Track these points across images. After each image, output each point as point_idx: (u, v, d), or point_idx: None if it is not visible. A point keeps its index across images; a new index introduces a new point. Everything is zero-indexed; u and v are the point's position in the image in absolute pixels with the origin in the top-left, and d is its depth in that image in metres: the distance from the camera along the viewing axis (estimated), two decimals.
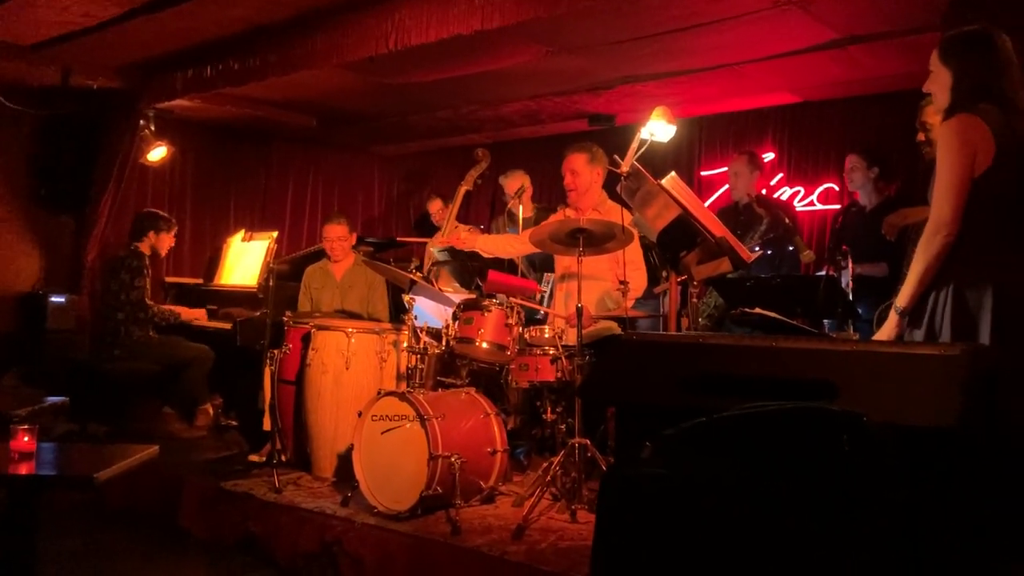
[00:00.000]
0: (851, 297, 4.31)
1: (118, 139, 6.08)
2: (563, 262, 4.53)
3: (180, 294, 6.37)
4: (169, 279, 6.62)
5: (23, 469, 2.56)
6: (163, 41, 5.13)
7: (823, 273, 4.99)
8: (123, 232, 5.95)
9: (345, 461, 3.99)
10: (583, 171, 4.43)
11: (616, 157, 3.71)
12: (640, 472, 1.20)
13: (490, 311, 3.97)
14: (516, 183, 5.71)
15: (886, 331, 2.68)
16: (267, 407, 4.49)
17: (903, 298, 2.66)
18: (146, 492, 4.35)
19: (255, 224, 7.26)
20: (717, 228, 3.63)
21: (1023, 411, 2.08)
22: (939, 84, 2.74)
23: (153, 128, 6.08)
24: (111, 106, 6.07)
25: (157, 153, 6.26)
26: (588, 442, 3.65)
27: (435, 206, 6.71)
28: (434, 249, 5.49)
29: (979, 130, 2.58)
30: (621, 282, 3.83)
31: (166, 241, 5.76)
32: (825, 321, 4.44)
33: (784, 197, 6.09)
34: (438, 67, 5.21)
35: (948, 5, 3.91)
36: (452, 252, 5.26)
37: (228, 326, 5.55)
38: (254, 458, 4.55)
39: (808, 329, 3.45)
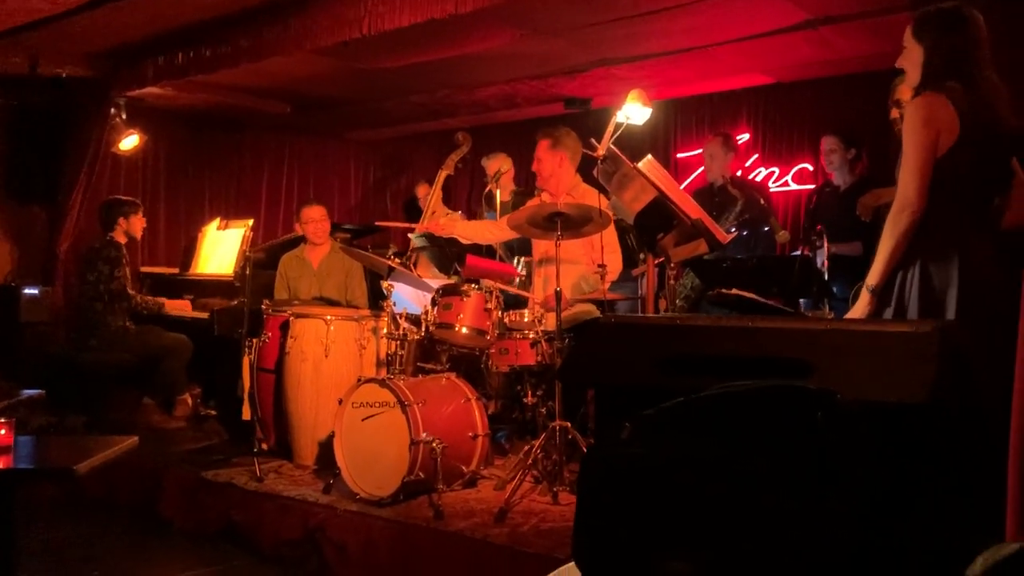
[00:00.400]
0: (826, 276, 4.36)
1: (89, 128, 6.00)
2: (541, 246, 4.54)
3: (156, 284, 6.31)
4: (144, 269, 6.56)
5: (0, 463, 2.54)
6: (133, 28, 5.06)
7: (798, 253, 5.04)
8: (96, 222, 5.88)
9: (326, 449, 3.99)
10: (545, 157, 4.46)
11: (592, 140, 3.71)
12: (619, 452, 1.22)
13: (469, 296, 3.98)
14: (495, 165, 5.69)
15: (858, 309, 2.73)
16: (246, 396, 4.48)
17: (873, 276, 2.70)
18: (126, 483, 4.34)
19: (230, 212, 7.20)
20: (693, 210, 3.66)
21: (987, 385, 2.13)
22: (911, 61, 2.78)
23: (124, 116, 6.01)
24: (81, 95, 5.98)
25: (129, 142, 6.19)
26: (568, 424, 3.68)
27: (423, 191, 6.69)
28: (412, 235, 5.48)
29: (944, 109, 2.61)
30: (599, 265, 3.85)
31: (137, 224, 5.68)
32: (801, 300, 4.49)
33: (759, 178, 6.13)
34: (412, 51, 5.18)
35: None
36: (430, 238, 5.25)
37: (205, 315, 5.52)
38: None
39: (784, 309, 3.49)
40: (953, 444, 1.56)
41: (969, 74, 2.65)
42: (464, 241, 4.82)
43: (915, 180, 2.62)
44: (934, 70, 2.70)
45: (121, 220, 5.57)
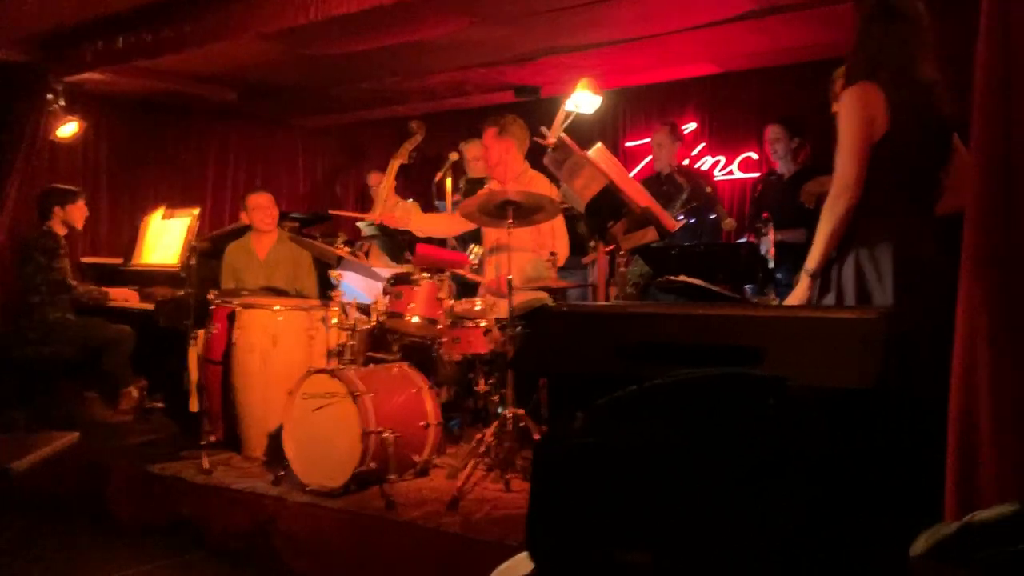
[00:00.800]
0: (771, 263, 4.44)
1: (24, 115, 5.80)
2: (491, 234, 4.54)
3: (98, 275, 6.14)
4: (86, 260, 6.38)
5: None
6: (71, 11, 4.91)
7: (744, 240, 5.13)
8: (35, 213, 5.70)
9: (276, 440, 3.94)
10: (491, 144, 4.51)
11: (543, 129, 3.72)
12: (573, 442, 1.23)
13: (420, 285, 3.96)
14: (475, 151, 5.63)
15: (797, 294, 2.79)
16: (194, 388, 4.41)
17: (811, 260, 2.77)
18: (70, 479, 4.24)
19: (175, 201, 7.01)
20: (643, 198, 3.69)
21: (927, 368, 2.20)
22: (852, 48, 2.85)
23: (63, 103, 5.81)
24: (16, 80, 5.78)
25: (68, 129, 6.00)
26: (521, 412, 3.69)
27: (375, 179, 6.61)
28: (362, 224, 5.43)
29: (876, 98, 2.68)
30: (551, 253, 3.86)
31: (76, 213, 5.51)
32: (746, 286, 4.56)
33: (705, 166, 6.21)
34: (361, 38, 5.12)
35: None
36: (381, 227, 5.20)
37: (151, 307, 5.40)
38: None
39: (730, 295, 3.54)
40: (897, 427, 1.60)
41: (901, 65, 2.72)
42: (419, 234, 4.79)
43: (850, 166, 2.69)
44: (866, 60, 2.77)
45: (57, 209, 5.40)
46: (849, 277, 2.70)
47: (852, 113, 2.71)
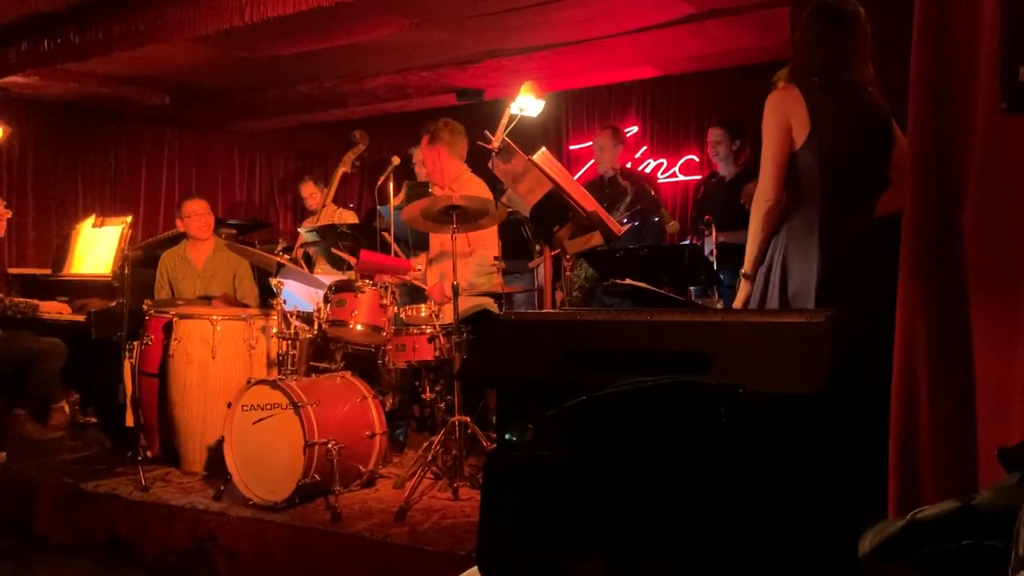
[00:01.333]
0: (714, 264, 4.48)
1: None
2: (435, 240, 4.54)
3: (25, 286, 5.91)
4: (13, 271, 6.15)
5: None
6: None
7: (687, 242, 5.17)
8: None
9: (216, 454, 3.84)
10: (426, 153, 4.63)
11: (487, 133, 3.69)
12: (523, 455, 1.20)
13: (363, 292, 3.89)
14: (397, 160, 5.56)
15: (739, 298, 2.85)
16: (129, 402, 4.26)
17: (746, 263, 2.85)
18: None
19: (106, 209, 6.83)
20: (588, 202, 3.69)
21: (863, 369, 2.23)
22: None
23: None
24: None
25: None
26: (468, 419, 3.65)
27: (307, 188, 6.50)
28: (303, 230, 5.34)
29: (795, 103, 2.73)
30: (495, 258, 3.84)
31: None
32: (691, 288, 4.60)
33: (648, 169, 6.25)
34: (298, 40, 5.02)
35: None
36: (321, 232, 5.12)
37: (82, 318, 5.22)
38: None
39: (675, 297, 3.57)
40: (842, 429, 1.61)
41: (829, 69, 2.77)
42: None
43: (768, 171, 2.75)
44: (795, 64, 2.83)
45: None
46: (774, 279, 2.75)
47: (769, 119, 2.78)
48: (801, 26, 2.86)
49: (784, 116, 2.73)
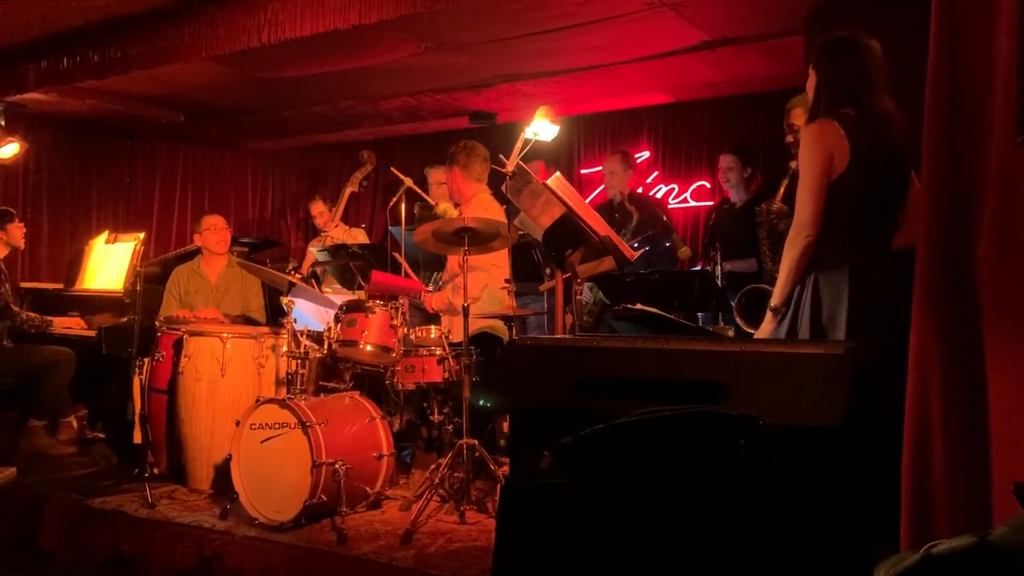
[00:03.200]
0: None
1: None
2: (450, 262, 4.57)
3: (38, 300, 5.95)
4: (26, 285, 6.18)
5: None
6: (13, 29, 4.76)
7: (698, 268, 5.17)
8: None
9: (223, 472, 3.83)
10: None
11: (501, 156, 3.71)
12: (540, 483, 1.19)
13: (374, 312, 3.89)
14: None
15: (764, 330, 2.82)
16: (137, 418, 4.27)
17: (775, 297, 2.81)
18: (3, 514, 4.05)
19: (120, 225, 6.88)
20: (601, 227, 3.69)
21: (883, 401, 2.22)
22: (810, 86, 2.91)
23: (3, 123, 5.67)
24: None
25: (8, 150, 5.84)
26: (476, 442, 3.64)
27: (317, 207, 6.54)
28: (314, 250, 5.36)
29: (835, 135, 2.73)
30: (506, 280, 3.84)
31: (18, 232, 5.37)
32: (700, 314, 4.60)
33: (659, 194, 6.26)
34: (313, 61, 5.07)
35: (809, 10, 4.11)
36: (332, 252, 5.14)
37: (92, 333, 5.24)
38: None
39: (686, 324, 3.56)
40: (857, 460, 1.59)
41: (861, 100, 2.77)
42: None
43: (809, 203, 2.72)
44: (827, 97, 2.82)
45: (0, 233, 5.25)
46: (804, 310, 2.73)
47: (811, 151, 2.75)
48: (825, 59, 2.85)
49: (828, 147, 2.71)
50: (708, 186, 6.13)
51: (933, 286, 2.11)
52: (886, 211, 2.82)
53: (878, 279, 2.72)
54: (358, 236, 6.19)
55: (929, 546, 1.62)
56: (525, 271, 4.64)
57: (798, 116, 3.67)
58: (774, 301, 2.79)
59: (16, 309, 5.15)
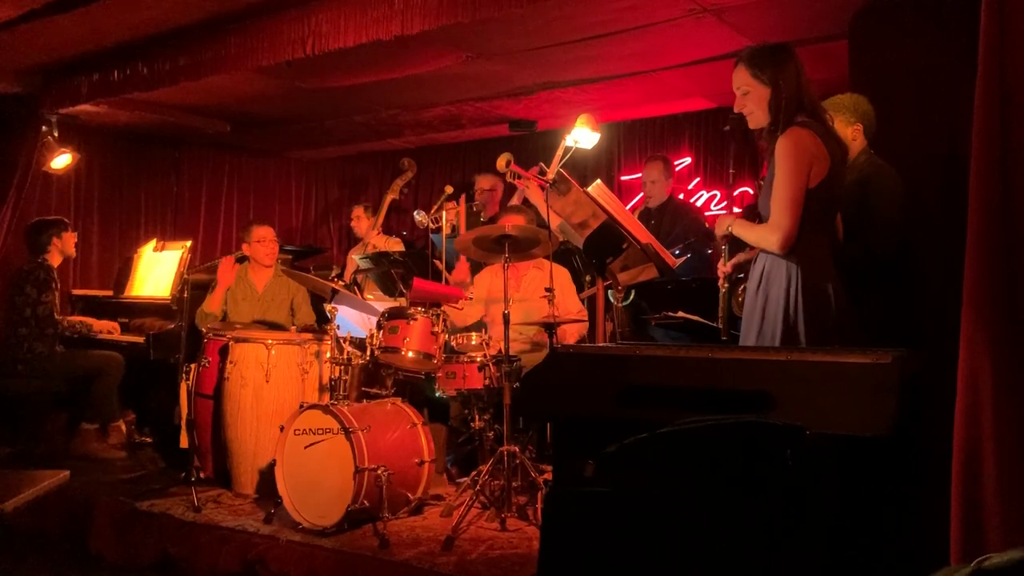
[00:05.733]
0: None
1: (18, 147, 5.76)
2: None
3: (88, 307, 6.09)
4: (76, 292, 6.34)
5: None
6: (66, 44, 4.89)
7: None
8: (24, 245, 5.66)
9: (267, 477, 3.88)
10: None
11: (542, 164, 3.72)
12: (584, 491, 1.19)
13: (416, 319, 3.92)
14: (487, 183, 5.73)
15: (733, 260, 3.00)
16: (184, 423, 4.34)
17: (734, 230, 2.90)
18: (57, 517, 4.15)
19: (167, 233, 7.02)
20: (643, 235, 3.68)
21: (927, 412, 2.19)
22: (755, 100, 2.82)
23: (56, 134, 5.81)
24: (10, 112, 5.75)
25: (61, 161, 5.99)
26: (516, 449, 3.64)
27: (356, 213, 6.62)
28: (356, 256, 5.41)
29: (813, 142, 2.69)
30: (547, 289, 3.84)
31: (71, 241, 5.51)
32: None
33: (700, 201, 6.21)
34: (356, 71, 5.13)
35: (854, 14, 4.05)
36: (374, 260, 5.18)
37: (140, 339, 5.35)
38: None
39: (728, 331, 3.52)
40: (905, 471, 1.57)
41: (813, 107, 2.76)
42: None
43: (789, 212, 2.69)
44: (786, 106, 2.74)
45: (55, 240, 5.39)
46: (799, 315, 2.72)
47: (794, 159, 2.69)
48: (788, 70, 2.79)
49: (810, 154, 2.70)
50: (751, 192, 6.06)
51: (984, 295, 2.06)
52: (834, 208, 2.90)
53: (845, 282, 2.77)
54: (394, 246, 6.24)
55: (981, 560, 1.59)
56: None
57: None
58: (731, 231, 2.90)
59: (59, 317, 5.27)
